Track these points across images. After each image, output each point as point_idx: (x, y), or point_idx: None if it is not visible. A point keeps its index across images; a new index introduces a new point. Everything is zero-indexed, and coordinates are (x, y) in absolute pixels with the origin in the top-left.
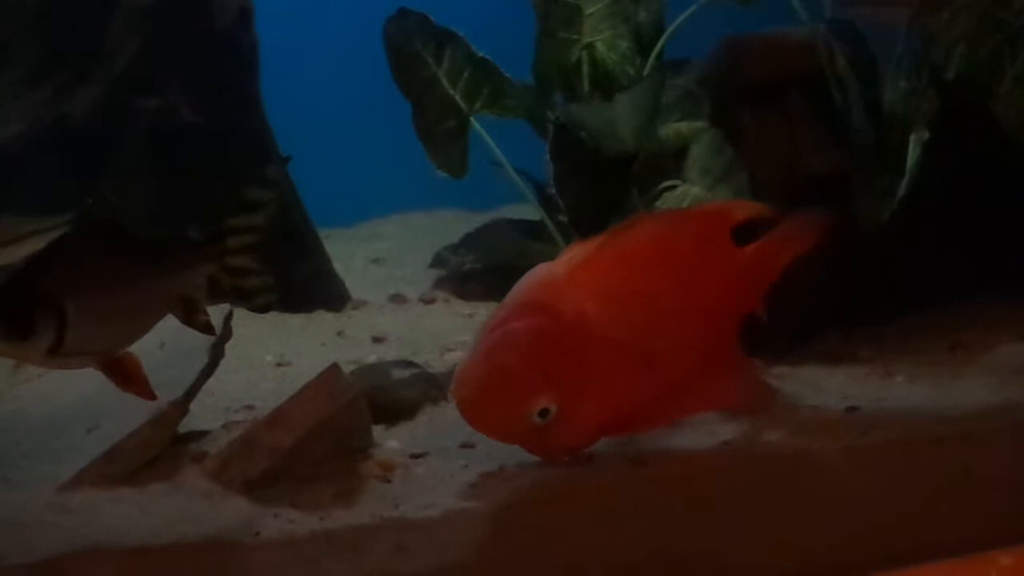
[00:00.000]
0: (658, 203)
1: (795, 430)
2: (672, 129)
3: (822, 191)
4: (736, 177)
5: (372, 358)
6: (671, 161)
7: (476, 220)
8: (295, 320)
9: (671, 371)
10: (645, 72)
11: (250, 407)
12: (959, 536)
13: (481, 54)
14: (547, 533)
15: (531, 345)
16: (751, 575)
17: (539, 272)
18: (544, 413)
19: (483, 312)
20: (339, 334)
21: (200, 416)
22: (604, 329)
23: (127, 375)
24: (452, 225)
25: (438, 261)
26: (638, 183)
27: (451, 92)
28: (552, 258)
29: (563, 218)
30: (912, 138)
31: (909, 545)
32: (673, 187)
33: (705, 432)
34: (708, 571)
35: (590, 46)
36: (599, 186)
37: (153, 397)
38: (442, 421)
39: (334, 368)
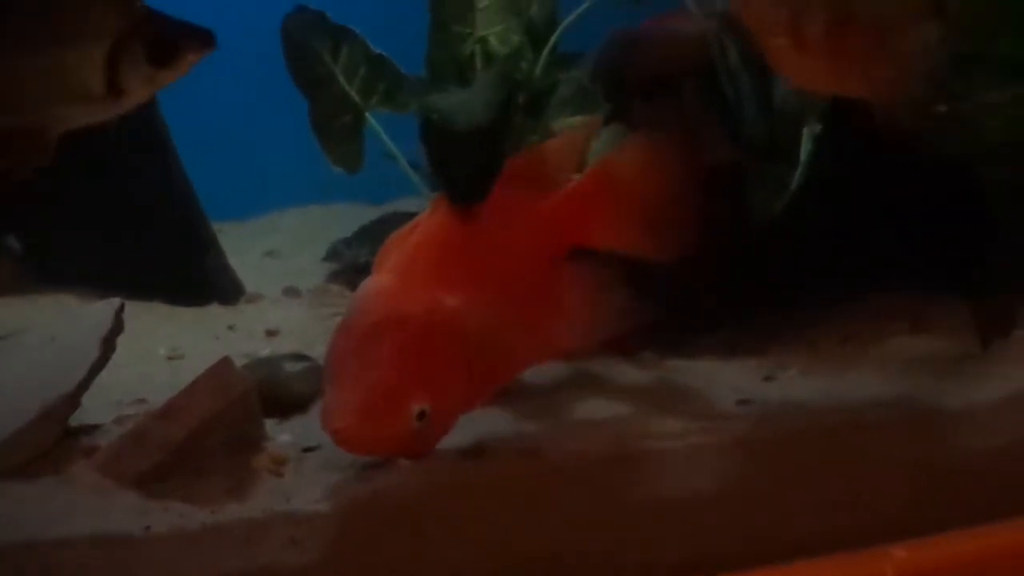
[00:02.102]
0: None
1: (687, 423)
2: (566, 123)
3: (715, 184)
4: None
5: (265, 351)
6: None
7: (372, 213)
8: (188, 314)
9: (514, 333)
10: (538, 67)
11: (142, 400)
12: (853, 529)
13: (377, 51)
14: (439, 525)
15: (392, 355)
16: (645, 570)
17: (368, 287)
18: (422, 415)
19: None
20: (231, 328)
21: (92, 410)
22: (447, 314)
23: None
24: (348, 218)
25: (332, 254)
26: None
27: (347, 88)
28: None
29: None
30: (804, 131)
31: (802, 538)
32: None
33: (598, 424)
34: (601, 565)
35: (483, 40)
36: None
37: None
38: None
39: (225, 361)
